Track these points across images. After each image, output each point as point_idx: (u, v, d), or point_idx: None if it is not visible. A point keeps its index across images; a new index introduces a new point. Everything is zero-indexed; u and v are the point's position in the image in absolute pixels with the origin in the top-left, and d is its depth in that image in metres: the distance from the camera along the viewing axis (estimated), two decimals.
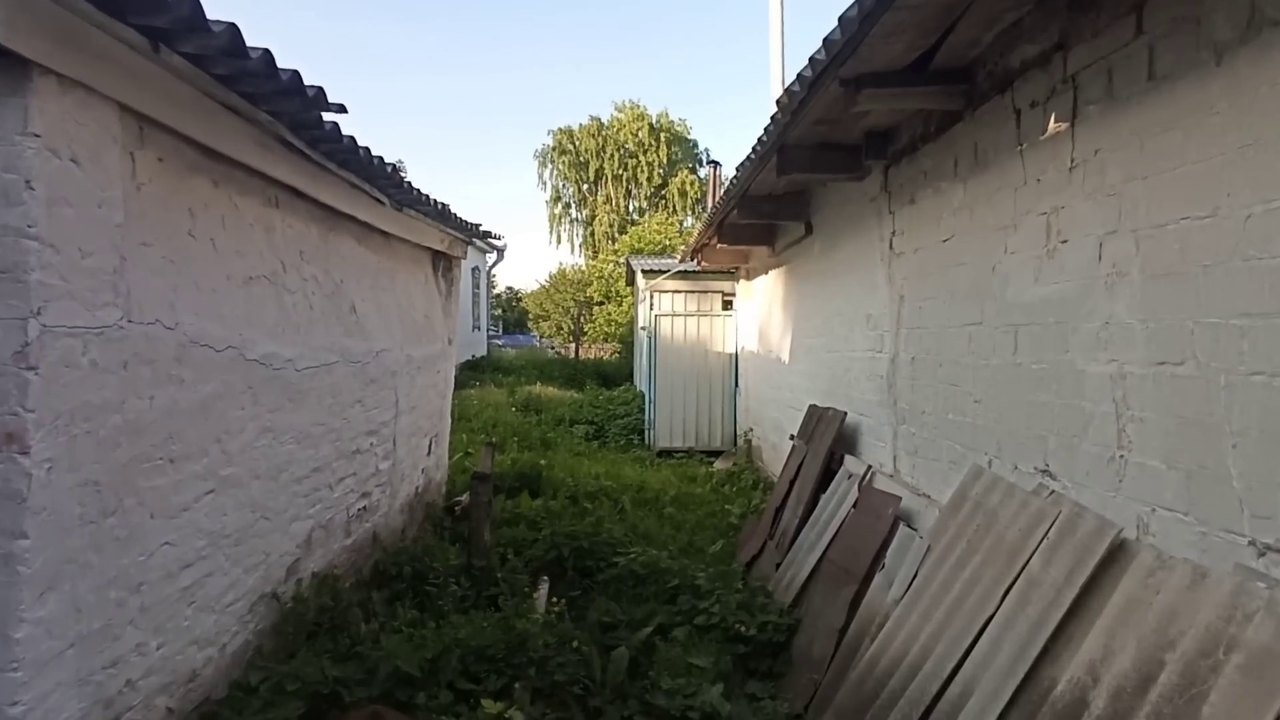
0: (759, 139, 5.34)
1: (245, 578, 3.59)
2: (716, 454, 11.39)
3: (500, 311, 62.18)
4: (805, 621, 4.46)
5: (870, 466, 4.95)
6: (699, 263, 10.72)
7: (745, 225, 8.64)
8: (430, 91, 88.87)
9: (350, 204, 4.71)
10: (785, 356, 8.29)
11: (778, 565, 5.42)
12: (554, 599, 4.97)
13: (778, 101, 4.60)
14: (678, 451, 11.32)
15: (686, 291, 11.92)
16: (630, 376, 21.52)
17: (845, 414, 5.63)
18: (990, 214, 3.56)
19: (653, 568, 5.55)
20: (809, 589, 4.74)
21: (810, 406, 6.67)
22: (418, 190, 5.56)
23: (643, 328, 11.73)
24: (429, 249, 7.07)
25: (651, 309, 11.85)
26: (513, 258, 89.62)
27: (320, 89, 3.25)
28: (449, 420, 7.99)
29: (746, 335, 10.88)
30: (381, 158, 4.82)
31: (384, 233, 5.63)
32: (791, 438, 6.87)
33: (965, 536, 3.29)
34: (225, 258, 3.37)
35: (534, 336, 53.54)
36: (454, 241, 7.47)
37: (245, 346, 3.44)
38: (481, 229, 7.95)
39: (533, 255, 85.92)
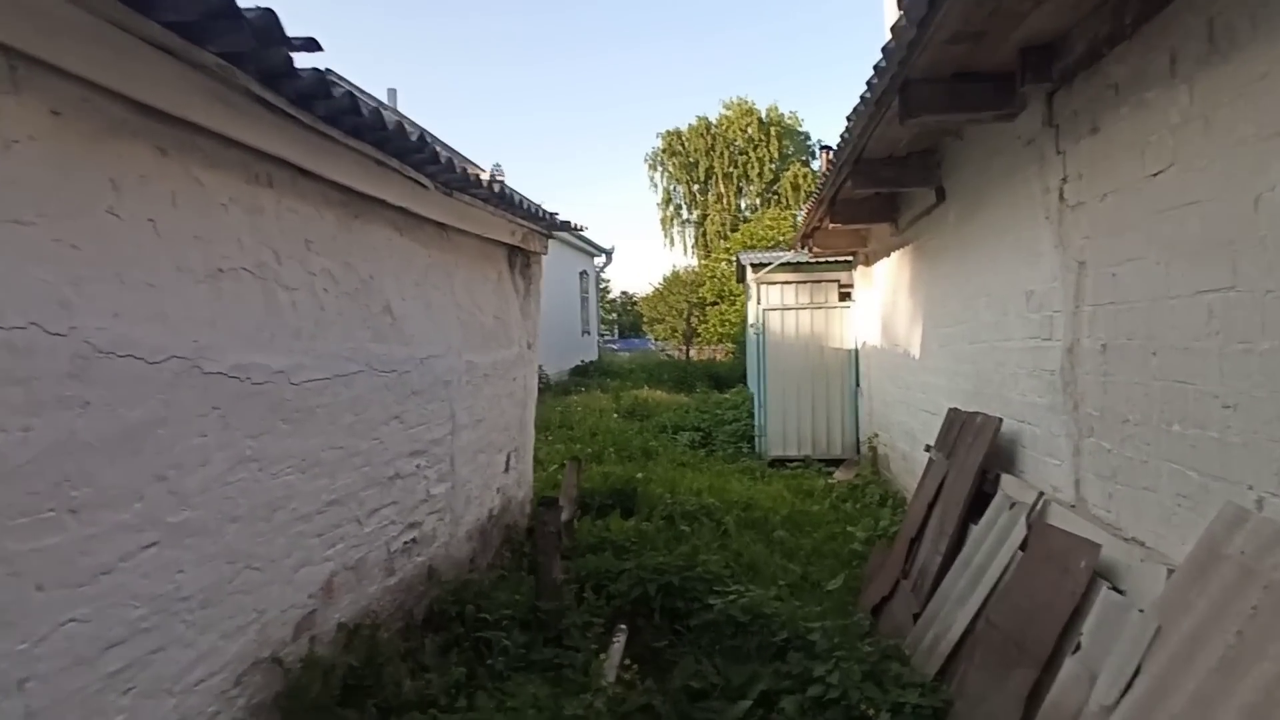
0: (869, 80, 4.18)
1: (224, 645, 2.83)
2: (836, 463, 10.10)
3: (615, 316, 62.37)
4: (959, 708, 3.27)
5: (1041, 494, 3.68)
6: (810, 250, 9.50)
7: (861, 200, 7.39)
8: (547, 108, 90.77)
9: (377, 186, 3.93)
10: (915, 351, 6.98)
11: (915, 616, 4.22)
12: (627, 660, 4.00)
13: (894, 28, 3.46)
14: (792, 461, 10.12)
15: (798, 283, 10.69)
16: (743, 378, 20.30)
17: (1000, 421, 4.36)
18: (1245, 119, 2.30)
19: (756, 613, 4.49)
20: (960, 658, 3.54)
21: (950, 411, 5.39)
22: (469, 172, 4.76)
23: (751, 325, 10.59)
24: (502, 243, 6.30)
25: (759, 304, 10.71)
26: (629, 262, 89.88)
27: (271, 13, 2.43)
28: (531, 432, 7.21)
29: (867, 328, 9.55)
30: (414, 130, 4.05)
31: (437, 224, 4.87)
32: (927, 449, 5.60)
33: (1231, 621, 2.06)
34: (175, 244, 2.61)
35: (649, 340, 53.19)
36: (529, 234, 6.67)
37: (204, 356, 2.67)
38: (562, 220, 7.13)
39: (648, 259, 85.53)
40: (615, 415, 13.63)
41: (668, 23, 76.26)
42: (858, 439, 10.06)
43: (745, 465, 9.75)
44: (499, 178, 14.90)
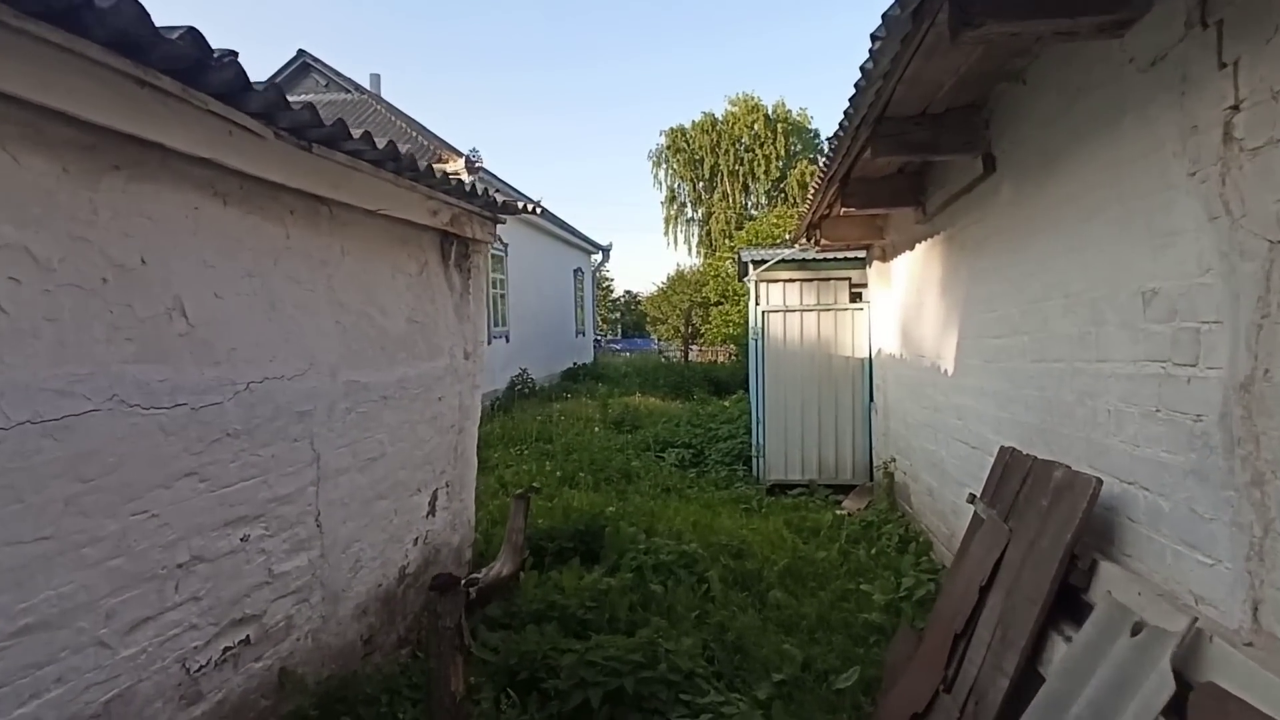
0: None
1: None
2: (845, 490, 8.66)
3: (618, 316, 61.00)
4: None
5: (1195, 622, 2.23)
6: (816, 242, 8.06)
7: (881, 180, 5.97)
8: (547, 108, 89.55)
9: (159, 128, 2.53)
10: (946, 364, 5.54)
11: None
12: None
13: None
14: (794, 486, 8.69)
15: (803, 280, 9.26)
16: (746, 383, 18.89)
17: (1098, 483, 2.92)
18: None
19: None
20: None
21: (1005, 452, 3.95)
22: (346, 125, 3.35)
23: (751, 330, 9.16)
24: (429, 228, 4.90)
25: (758, 304, 9.27)
26: (635, 261, 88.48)
27: None
28: (472, 460, 5.80)
29: (884, 334, 8.12)
30: (222, 53, 2.64)
31: (305, 195, 3.48)
32: (971, 499, 4.16)
33: None
34: None
35: (652, 340, 51.76)
36: (463, 217, 5.25)
37: None
38: (508, 201, 5.71)
39: (654, 258, 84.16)
40: (600, 427, 12.24)
41: (676, 21, 74.86)
42: (871, 462, 8.62)
43: (740, 492, 8.31)
44: (477, 164, 13.51)
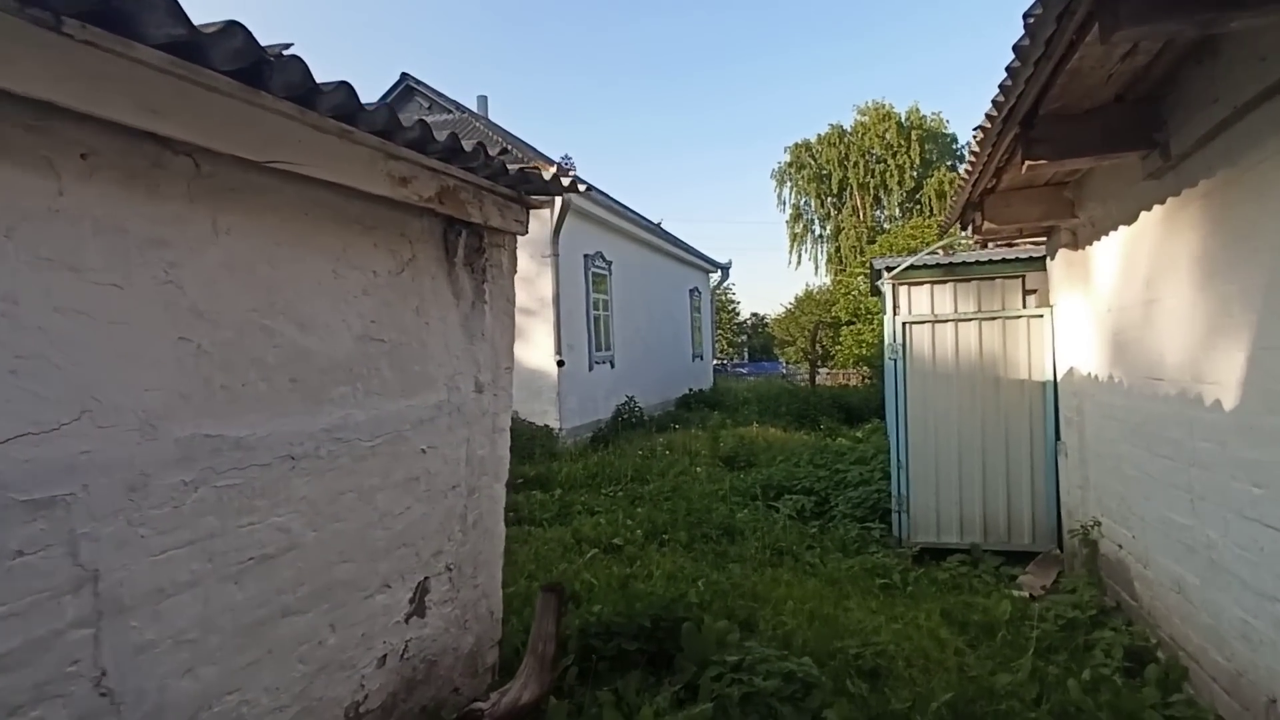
0: None
1: None
2: (1022, 557, 6.39)
3: (744, 338, 58.85)
4: None
5: None
6: (977, 230, 5.98)
7: (1085, 117, 3.90)
8: (668, 135, 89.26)
9: None
10: (1222, 393, 3.38)
11: None
12: None
13: None
14: (949, 551, 6.52)
15: (956, 282, 7.09)
16: (881, 411, 16.44)
17: None
18: None
19: None
20: None
21: None
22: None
23: (888, 348, 7.10)
24: (414, 208, 3.40)
25: (897, 314, 7.20)
26: (762, 282, 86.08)
27: None
28: (493, 532, 4.21)
29: (1078, 347, 5.87)
30: None
31: (127, 129, 2.04)
32: None
33: None
34: None
35: (780, 364, 49.20)
36: (466, 195, 3.71)
37: None
38: (528, 169, 4.12)
39: (782, 279, 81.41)
40: (707, 464, 10.44)
41: (800, 32, 72.56)
42: (1059, 523, 6.31)
43: (876, 560, 6.22)
44: (569, 170, 12.25)
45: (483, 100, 18.07)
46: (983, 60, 60.60)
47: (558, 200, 11.25)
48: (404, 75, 15.97)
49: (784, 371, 43.98)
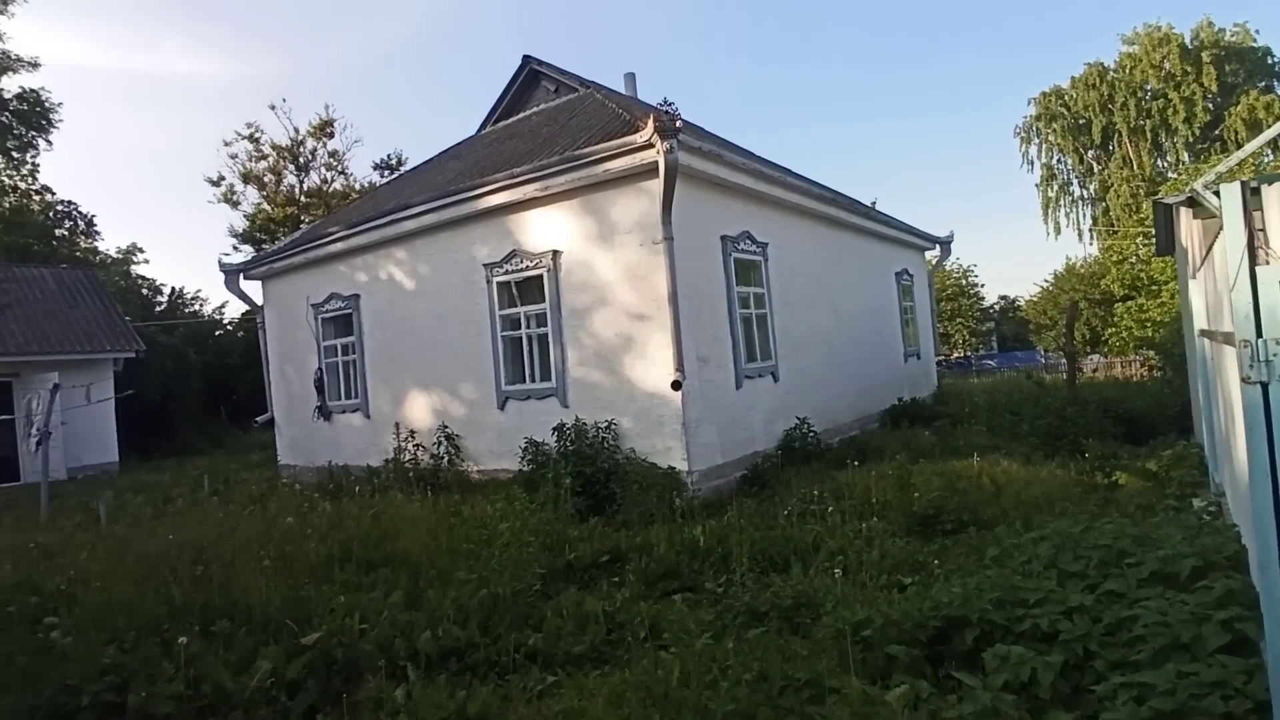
0: None
1: None
2: None
3: (991, 326, 50.46)
4: None
5: None
6: None
7: None
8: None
9: None
10: None
11: None
12: None
13: None
14: None
15: None
16: (1182, 424, 10.96)
17: None
18: None
19: None
20: None
21: None
22: None
23: (1200, 330, 2.95)
24: None
25: (1237, 253, 3.08)
26: (1008, 261, 74.82)
27: None
28: None
29: None
30: None
31: None
32: None
33: None
34: None
35: (1038, 352, 40.95)
36: None
37: None
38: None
39: (1034, 254, 69.86)
40: (887, 534, 6.62)
41: None
42: None
43: None
44: (673, 115, 9.29)
45: (630, 78, 15.42)
46: None
47: (660, 164, 8.10)
48: (526, 58, 13.80)
49: (1042, 362, 36.21)
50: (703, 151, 8.91)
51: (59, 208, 31.02)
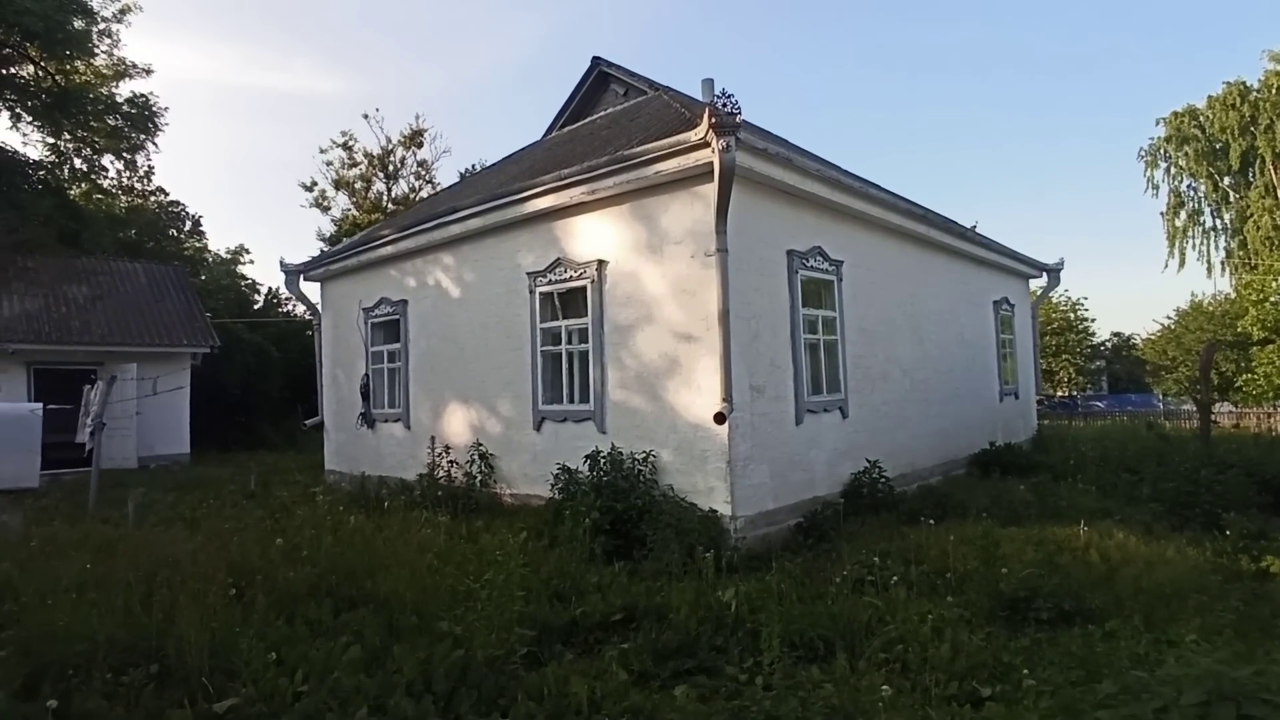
0: None
1: None
2: None
3: (1101, 364, 46.49)
4: None
5: None
6: None
7: None
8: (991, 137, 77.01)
9: None
10: None
11: None
12: None
13: None
14: None
15: None
16: None
17: None
18: None
19: None
20: None
21: None
22: None
23: None
24: None
25: None
26: (1122, 296, 69.50)
27: None
28: None
29: None
30: None
31: None
32: None
33: None
34: None
35: (1155, 397, 37.19)
36: None
37: None
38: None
39: (1154, 288, 64.67)
40: (962, 622, 5.32)
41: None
42: None
43: None
44: (731, 110, 8.51)
45: (708, 83, 14.49)
46: None
47: (715, 164, 7.11)
48: (595, 60, 13.11)
49: (1160, 407, 32.76)
50: (768, 154, 7.84)
51: (170, 209, 32.70)
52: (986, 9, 75.59)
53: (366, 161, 31.60)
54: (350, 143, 31.53)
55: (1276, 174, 33.02)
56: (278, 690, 4.09)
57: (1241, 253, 33.57)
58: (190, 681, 4.10)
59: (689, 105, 9.88)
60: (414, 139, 31.83)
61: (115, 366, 16.61)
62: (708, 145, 7.15)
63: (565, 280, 9.05)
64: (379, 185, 31.89)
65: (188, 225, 33.61)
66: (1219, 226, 35.58)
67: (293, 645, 4.67)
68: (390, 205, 31.34)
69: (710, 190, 7.34)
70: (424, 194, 31.82)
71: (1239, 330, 24.56)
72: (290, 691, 4.10)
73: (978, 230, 14.21)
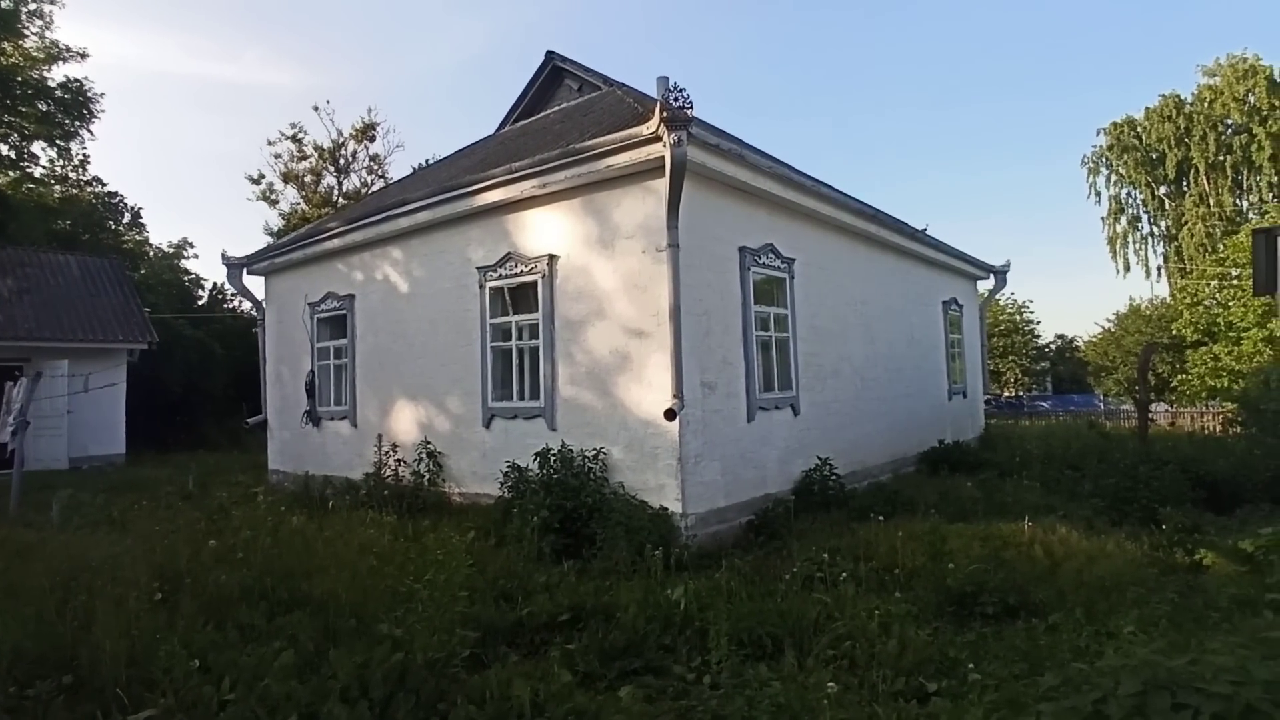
0: None
1: None
2: None
3: (1046, 365, 47.90)
4: None
5: None
6: None
7: None
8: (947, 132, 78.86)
9: None
10: None
11: None
12: None
13: None
14: None
15: None
16: (1274, 488, 9.42)
17: None
18: None
19: None
20: None
21: None
22: None
23: None
24: None
25: None
26: (1065, 299, 71.76)
27: None
28: None
29: None
30: None
31: None
32: None
33: None
34: None
35: (1096, 397, 38.50)
36: None
37: None
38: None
39: (1098, 293, 66.86)
40: (909, 618, 5.33)
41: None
42: None
43: None
44: (681, 105, 8.49)
45: (662, 80, 14.41)
46: None
47: (666, 159, 7.05)
48: (550, 55, 12.95)
49: (1100, 407, 33.90)
50: (720, 149, 7.81)
51: (107, 200, 31.40)
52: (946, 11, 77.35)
53: (317, 155, 30.82)
54: (300, 135, 30.72)
55: (1209, 183, 34.45)
56: (201, 699, 3.87)
57: (1177, 258, 34.92)
58: (105, 692, 3.86)
59: (642, 100, 9.80)
60: (366, 132, 31.15)
61: (43, 363, 15.85)
62: (659, 139, 7.09)
63: (516, 275, 8.90)
64: (329, 179, 31.14)
65: (127, 217, 32.34)
66: (1156, 233, 36.98)
67: (221, 651, 4.44)
68: (341, 200, 30.61)
69: (662, 185, 7.28)
70: (376, 188, 31.18)
71: (1174, 332, 25.52)
72: (215, 700, 3.89)
73: (928, 233, 14.46)
